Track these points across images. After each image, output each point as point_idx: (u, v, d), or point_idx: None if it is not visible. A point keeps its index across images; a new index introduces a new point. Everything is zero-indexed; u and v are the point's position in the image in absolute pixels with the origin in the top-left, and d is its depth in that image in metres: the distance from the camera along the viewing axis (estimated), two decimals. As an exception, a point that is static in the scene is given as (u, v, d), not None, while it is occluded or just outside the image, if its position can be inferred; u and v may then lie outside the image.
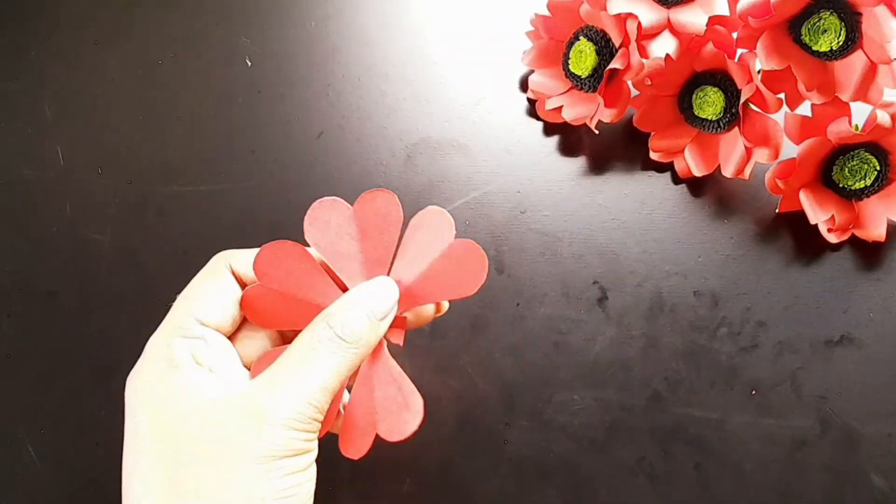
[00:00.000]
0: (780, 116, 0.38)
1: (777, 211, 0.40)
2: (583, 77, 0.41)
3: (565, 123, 0.42)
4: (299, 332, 0.27)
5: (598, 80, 0.41)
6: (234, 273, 0.28)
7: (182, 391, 0.25)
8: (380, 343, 0.28)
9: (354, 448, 0.27)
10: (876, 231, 0.38)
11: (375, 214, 0.29)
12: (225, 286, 0.28)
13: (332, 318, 0.26)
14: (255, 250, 0.29)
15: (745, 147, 0.38)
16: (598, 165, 0.43)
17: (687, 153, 0.41)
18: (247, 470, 0.23)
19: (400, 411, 0.27)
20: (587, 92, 0.42)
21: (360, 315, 0.26)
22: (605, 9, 0.38)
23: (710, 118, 0.40)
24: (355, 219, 0.29)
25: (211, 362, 0.26)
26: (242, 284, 0.29)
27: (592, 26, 0.41)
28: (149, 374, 0.25)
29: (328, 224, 0.28)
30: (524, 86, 0.44)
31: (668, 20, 0.38)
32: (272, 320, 0.28)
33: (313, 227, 0.28)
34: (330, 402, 0.25)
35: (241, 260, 0.28)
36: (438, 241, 0.28)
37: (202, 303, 0.27)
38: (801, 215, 0.39)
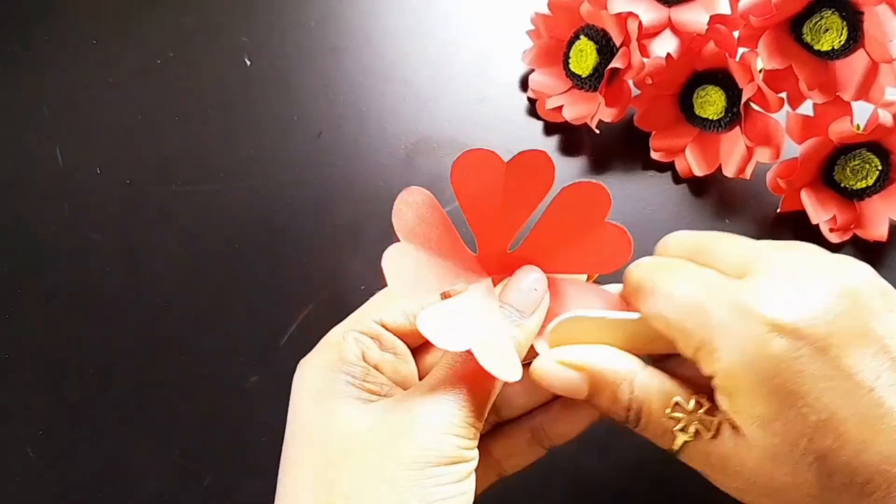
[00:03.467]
0: (781, 116, 0.38)
1: (778, 211, 0.40)
2: (583, 76, 0.41)
3: (566, 123, 0.42)
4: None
5: (599, 80, 0.40)
6: None
7: (344, 387, 0.24)
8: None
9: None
10: (877, 231, 0.38)
11: (525, 178, 0.27)
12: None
13: None
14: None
15: (747, 146, 0.38)
16: (599, 165, 0.43)
17: (688, 153, 0.41)
18: (396, 476, 0.22)
19: None
20: (588, 91, 0.42)
21: (509, 317, 0.26)
22: (605, 8, 0.38)
23: (711, 117, 0.40)
24: (505, 176, 0.27)
25: (379, 360, 0.26)
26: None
27: (593, 25, 0.41)
28: (318, 364, 0.26)
29: (475, 177, 0.27)
30: (524, 85, 0.44)
31: (669, 19, 0.38)
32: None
33: (460, 178, 0.27)
34: (488, 409, 0.24)
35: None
36: (586, 220, 0.26)
37: (387, 305, 0.27)
38: (802, 215, 0.39)
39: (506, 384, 0.27)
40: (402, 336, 0.27)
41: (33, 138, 0.44)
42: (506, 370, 0.23)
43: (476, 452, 0.24)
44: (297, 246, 0.41)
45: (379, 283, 0.41)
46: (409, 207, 0.26)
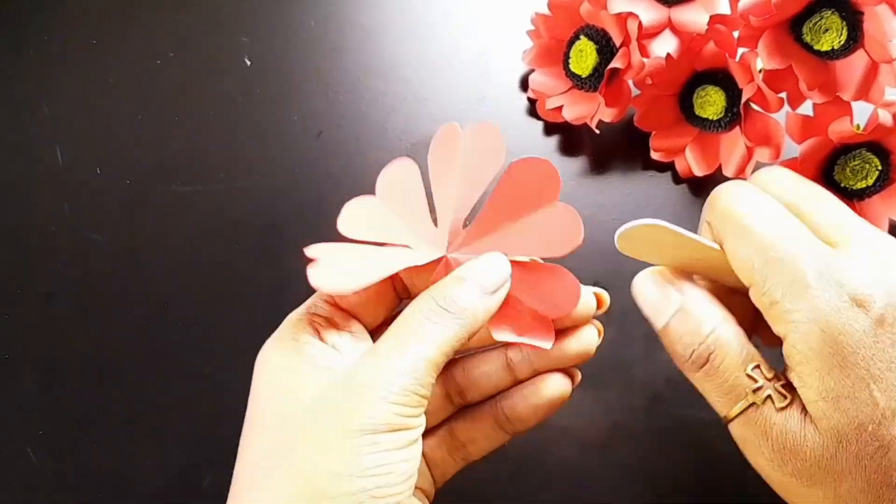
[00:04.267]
0: (781, 116, 0.38)
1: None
2: (583, 76, 0.41)
3: (566, 123, 0.42)
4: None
5: (599, 80, 0.40)
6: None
7: (297, 364, 0.25)
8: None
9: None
10: (878, 231, 0.38)
11: (478, 150, 0.27)
12: None
13: (436, 291, 0.25)
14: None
15: (747, 146, 0.38)
16: (599, 165, 0.43)
17: (688, 153, 0.41)
18: (337, 444, 0.22)
19: None
20: (588, 91, 0.42)
21: (468, 288, 0.25)
22: (605, 8, 0.38)
23: (711, 118, 0.40)
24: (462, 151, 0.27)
25: (336, 341, 0.26)
26: (399, 284, 0.28)
27: (593, 25, 0.41)
28: (273, 346, 0.26)
29: (444, 150, 0.26)
30: (524, 85, 0.44)
31: (669, 19, 0.38)
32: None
33: (434, 153, 0.27)
34: (434, 376, 0.24)
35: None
36: (536, 198, 0.26)
37: None
38: (802, 215, 0.39)
39: (468, 361, 0.28)
40: (356, 314, 0.27)
41: (33, 138, 0.44)
42: (332, 283, 0.24)
43: (420, 420, 0.24)
44: (297, 246, 0.41)
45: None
46: (392, 174, 0.27)
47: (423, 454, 0.29)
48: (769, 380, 0.23)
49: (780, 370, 0.24)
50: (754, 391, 0.23)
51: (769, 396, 0.23)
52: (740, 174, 0.39)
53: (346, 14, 0.47)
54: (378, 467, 0.22)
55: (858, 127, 0.37)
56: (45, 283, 0.41)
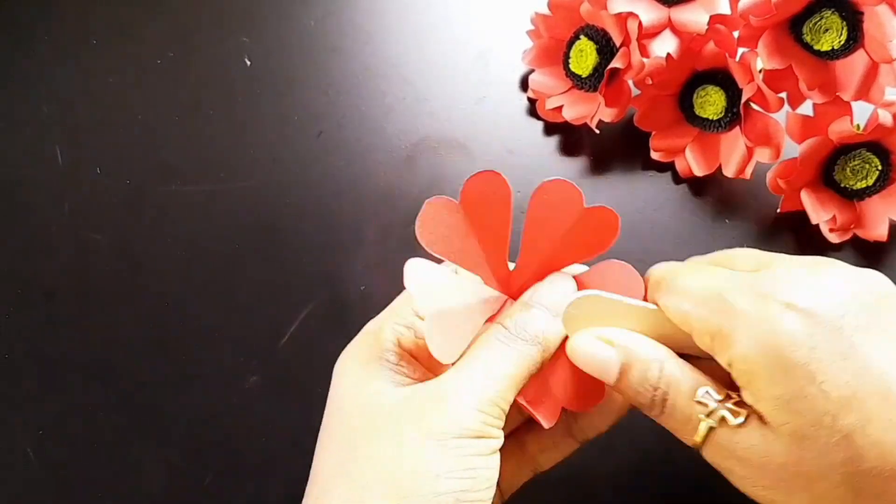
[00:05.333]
0: (781, 116, 0.38)
1: (778, 211, 0.40)
2: (583, 76, 0.41)
3: (566, 123, 0.42)
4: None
5: (599, 80, 0.40)
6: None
7: (377, 371, 0.26)
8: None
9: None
10: (877, 231, 0.38)
11: (483, 202, 0.27)
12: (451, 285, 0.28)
13: (508, 320, 0.26)
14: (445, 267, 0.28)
15: (747, 146, 0.38)
16: (599, 165, 0.43)
17: (688, 153, 0.41)
18: (423, 444, 0.23)
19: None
20: (588, 91, 0.42)
21: (536, 315, 0.26)
22: (605, 8, 0.38)
23: (711, 117, 0.40)
24: (463, 211, 0.27)
25: (415, 350, 0.27)
26: None
27: (593, 25, 0.41)
28: (354, 350, 0.27)
29: (438, 226, 0.27)
30: (524, 85, 0.44)
31: (669, 19, 0.38)
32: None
33: (425, 231, 0.27)
34: (513, 395, 0.25)
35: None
36: (565, 216, 0.27)
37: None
38: (802, 215, 0.39)
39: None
40: None
41: (33, 138, 0.44)
42: (443, 352, 0.25)
43: (501, 433, 0.25)
44: (297, 246, 0.41)
45: (378, 283, 0.41)
46: (434, 217, 0.27)
47: None
48: (721, 401, 0.24)
49: (731, 390, 0.24)
50: (708, 415, 0.24)
51: (723, 417, 0.24)
52: (740, 174, 0.39)
53: (345, 14, 0.47)
54: (465, 471, 0.23)
55: (858, 127, 0.37)
56: (45, 283, 0.41)
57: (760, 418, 0.23)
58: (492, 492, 0.24)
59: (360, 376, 0.26)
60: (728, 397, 0.24)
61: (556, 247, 0.27)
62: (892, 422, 0.21)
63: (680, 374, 0.25)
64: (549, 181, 0.27)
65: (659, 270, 0.27)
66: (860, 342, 0.22)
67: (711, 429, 0.24)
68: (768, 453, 0.23)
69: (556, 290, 0.27)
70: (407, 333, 0.27)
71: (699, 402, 0.24)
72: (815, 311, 0.22)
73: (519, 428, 0.30)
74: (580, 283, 0.28)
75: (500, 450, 0.29)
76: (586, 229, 0.27)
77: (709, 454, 0.25)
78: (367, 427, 0.24)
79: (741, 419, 0.23)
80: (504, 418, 0.25)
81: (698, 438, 0.24)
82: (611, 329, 0.26)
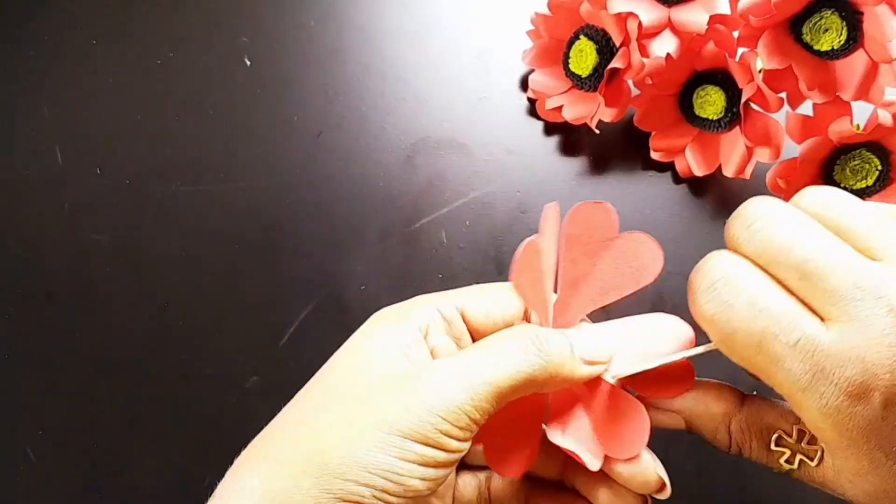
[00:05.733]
0: (781, 116, 0.38)
1: (778, 211, 0.40)
2: (583, 76, 0.41)
3: (566, 123, 0.42)
4: None
5: (599, 80, 0.40)
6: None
7: (387, 343, 0.25)
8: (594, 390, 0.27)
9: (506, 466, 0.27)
10: (877, 231, 0.38)
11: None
12: (504, 298, 0.27)
13: (539, 329, 0.25)
14: (504, 285, 0.27)
15: (747, 146, 0.38)
16: (599, 165, 0.43)
17: (688, 153, 0.41)
18: (369, 432, 0.22)
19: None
20: (588, 91, 0.42)
21: (565, 342, 0.25)
22: (605, 8, 0.38)
23: (711, 118, 0.40)
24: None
25: (437, 344, 0.25)
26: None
27: (593, 25, 0.41)
28: (385, 316, 0.26)
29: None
30: (524, 85, 0.44)
31: (669, 19, 0.38)
32: None
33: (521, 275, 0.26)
34: (493, 405, 0.23)
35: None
36: (600, 239, 0.27)
37: (475, 297, 0.27)
38: (802, 215, 0.39)
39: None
40: (473, 331, 0.26)
41: (33, 138, 0.44)
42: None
43: (463, 445, 0.23)
44: (297, 246, 0.41)
45: (378, 282, 0.41)
46: (527, 255, 0.26)
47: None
48: (794, 444, 0.25)
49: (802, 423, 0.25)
50: (787, 461, 0.25)
51: (801, 461, 0.25)
52: (740, 174, 0.39)
53: (345, 14, 0.47)
54: (389, 472, 0.22)
55: (858, 127, 0.37)
56: (45, 283, 0.41)
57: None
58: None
59: (370, 343, 0.25)
60: (801, 434, 0.24)
61: (595, 277, 0.27)
62: None
63: (748, 427, 0.25)
64: (582, 205, 0.27)
65: (708, 306, 0.23)
66: None
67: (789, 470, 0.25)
68: (842, 490, 0.24)
69: (595, 342, 0.26)
70: (439, 324, 0.26)
71: (774, 451, 0.25)
72: (890, 398, 0.21)
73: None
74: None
75: (467, 469, 0.29)
76: (625, 257, 0.26)
77: (798, 478, 0.26)
78: (334, 395, 0.24)
79: (817, 461, 0.24)
80: (472, 429, 0.23)
81: (782, 472, 0.25)
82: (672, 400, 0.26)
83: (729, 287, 0.22)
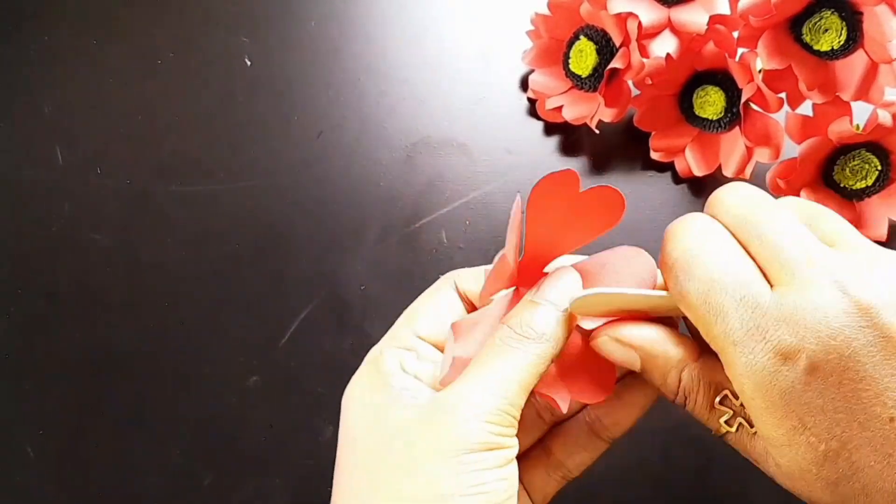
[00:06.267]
0: (780, 116, 0.38)
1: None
2: (583, 76, 0.41)
3: (566, 123, 0.42)
4: None
5: (599, 80, 0.40)
6: (459, 292, 0.28)
7: (383, 395, 0.25)
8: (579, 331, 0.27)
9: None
10: (877, 231, 0.38)
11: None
12: (447, 302, 0.28)
13: (512, 319, 0.26)
14: (482, 268, 0.28)
15: (746, 146, 0.38)
16: (599, 165, 0.43)
17: (688, 153, 0.41)
18: (434, 465, 0.23)
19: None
20: (587, 91, 0.42)
21: (542, 311, 0.26)
22: (605, 8, 0.38)
23: (710, 118, 0.40)
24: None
25: (418, 370, 0.26)
26: (468, 303, 0.28)
27: (593, 25, 0.41)
28: (360, 380, 0.27)
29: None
30: (524, 85, 0.44)
31: (669, 19, 0.38)
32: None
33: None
34: (524, 397, 0.25)
35: (467, 279, 0.28)
36: (564, 199, 0.26)
37: (421, 317, 0.28)
38: (802, 215, 0.39)
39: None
40: (439, 346, 0.27)
41: (33, 138, 0.44)
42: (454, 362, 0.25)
43: (514, 441, 0.24)
44: (297, 246, 0.41)
45: (378, 283, 0.41)
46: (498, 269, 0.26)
47: (521, 478, 0.29)
48: (738, 407, 0.25)
49: None
50: (726, 422, 0.25)
51: (740, 424, 0.24)
52: (740, 174, 0.39)
53: (346, 14, 0.47)
54: (479, 485, 0.23)
55: (858, 127, 0.37)
56: (45, 283, 0.41)
57: None
58: (513, 501, 0.24)
59: (366, 405, 0.26)
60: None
61: (560, 231, 0.27)
62: (881, 473, 0.21)
63: (699, 379, 0.25)
64: (546, 175, 0.26)
65: (674, 247, 0.25)
66: (863, 393, 0.21)
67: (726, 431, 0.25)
68: (768, 467, 0.24)
69: (560, 285, 0.26)
70: (409, 356, 0.27)
71: (717, 408, 0.25)
72: (816, 365, 0.21)
73: (544, 436, 0.30)
74: (587, 270, 0.27)
75: (526, 459, 0.29)
76: (590, 211, 0.27)
77: (730, 443, 0.25)
78: (378, 452, 0.24)
79: (756, 429, 0.24)
80: (516, 425, 0.24)
81: (719, 434, 0.25)
82: (629, 329, 0.26)
83: (698, 240, 0.24)
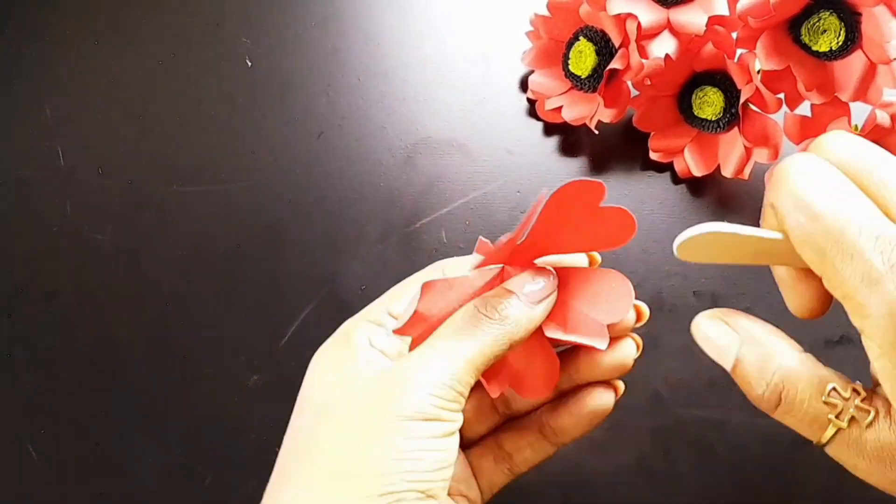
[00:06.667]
0: (779, 116, 0.38)
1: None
2: (582, 77, 0.41)
3: (565, 123, 0.42)
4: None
5: (598, 81, 0.41)
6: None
7: (347, 364, 0.26)
8: (538, 331, 0.27)
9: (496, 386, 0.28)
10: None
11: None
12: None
13: (480, 301, 0.26)
14: (469, 258, 0.28)
15: (745, 147, 0.38)
16: (598, 165, 0.43)
17: (686, 153, 0.41)
18: (374, 429, 0.24)
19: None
20: (587, 92, 0.42)
21: (512, 299, 0.26)
22: (604, 9, 0.38)
23: (709, 118, 0.40)
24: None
25: (385, 346, 0.27)
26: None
27: (592, 26, 0.41)
28: (327, 348, 0.28)
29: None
30: (524, 86, 0.44)
31: (668, 20, 0.38)
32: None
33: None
34: (473, 376, 0.25)
35: (455, 267, 0.29)
36: (582, 209, 0.26)
37: (399, 297, 0.28)
38: (800, 215, 0.39)
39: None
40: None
41: (34, 138, 0.44)
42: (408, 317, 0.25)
43: (457, 416, 0.25)
44: (297, 246, 0.41)
45: (378, 283, 0.41)
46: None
47: (470, 463, 0.30)
48: (848, 399, 0.23)
49: (857, 382, 0.23)
50: (837, 416, 0.23)
51: (853, 417, 0.23)
52: (739, 174, 0.39)
53: (346, 15, 0.47)
54: (410, 452, 0.23)
55: (856, 128, 0.37)
56: (46, 283, 0.41)
57: (888, 409, 0.22)
58: (444, 474, 0.24)
59: (328, 370, 0.27)
60: (855, 392, 0.23)
61: (567, 233, 0.27)
62: None
63: (801, 371, 0.23)
64: (578, 180, 0.26)
65: (796, 184, 0.22)
66: None
67: (838, 430, 0.23)
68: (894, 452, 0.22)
69: (538, 282, 0.27)
70: (379, 332, 0.27)
71: (826, 403, 0.23)
72: None
73: (497, 427, 0.31)
74: (569, 279, 0.28)
75: (478, 446, 0.30)
76: (602, 225, 0.27)
77: (833, 452, 0.24)
78: (326, 411, 0.25)
79: (871, 417, 0.22)
80: (461, 401, 0.25)
81: (824, 439, 0.23)
82: (739, 317, 0.25)
83: (820, 177, 0.22)
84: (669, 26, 0.38)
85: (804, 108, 0.38)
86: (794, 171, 0.23)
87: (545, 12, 0.42)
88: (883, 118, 0.35)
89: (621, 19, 0.38)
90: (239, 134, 0.44)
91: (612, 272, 0.28)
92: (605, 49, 0.40)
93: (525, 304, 0.26)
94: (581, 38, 0.41)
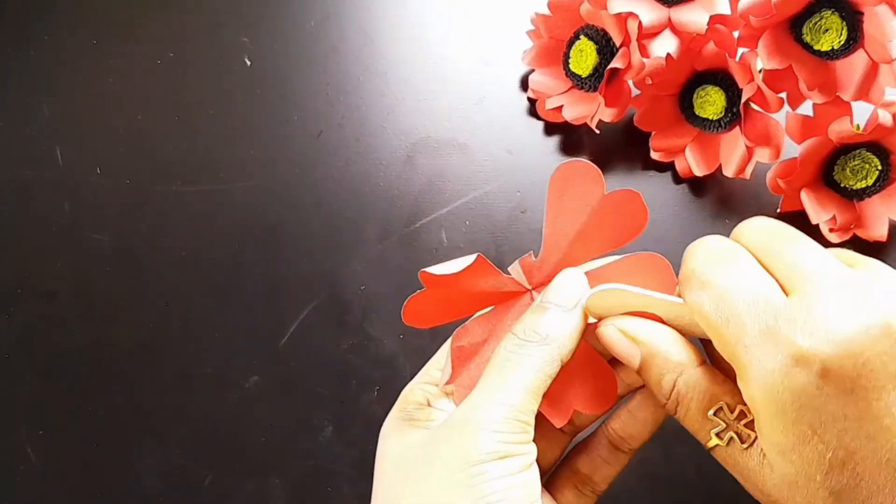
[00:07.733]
0: (781, 116, 0.38)
1: (778, 211, 0.40)
2: (583, 76, 0.41)
3: (566, 123, 0.42)
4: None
5: (599, 80, 0.40)
6: None
7: (411, 429, 0.26)
8: (586, 346, 0.27)
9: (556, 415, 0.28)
10: (877, 231, 0.38)
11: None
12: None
13: (518, 327, 0.26)
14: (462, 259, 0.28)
15: (746, 146, 0.38)
16: (599, 165, 0.42)
17: (688, 153, 0.41)
18: (448, 479, 0.24)
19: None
20: (588, 91, 0.42)
21: (548, 314, 0.26)
22: (605, 8, 0.38)
23: (711, 117, 0.40)
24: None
25: (442, 404, 0.28)
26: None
27: (593, 25, 0.41)
28: (390, 418, 0.28)
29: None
30: (524, 85, 0.44)
31: (669, 19, 0.38)
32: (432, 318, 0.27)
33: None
34: (535, 402, 0.25)
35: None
36: (585, 200, 0.27)
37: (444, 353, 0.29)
38: (802, 215, 0.39)
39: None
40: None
41: (34, 138, 0.44)
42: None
43: (530, 447, 0.25)
44: (297, 246, 0.41)
45: (378, 283, 0.41)
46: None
47: (556, 500, 0.30)
48: (732, 421, 0.24)
49: (746, 405, 0.24)
50: (718, 434, 0.25)
51: (731, 438, 0.24)
52: (740, 174, 0.39)
53: (345, 15, 0.47)
54: (493, 494, 0.23)
55: (858, 127, 0.37)
56: (45, 283, 0.41)
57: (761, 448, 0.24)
58: None
59: (394, 436, 0.27)
60: (742, 415, 0.24)
61: (580, 235, 0.27)
62: (882, 487, 0.22)
63: (696, 387, 0.25)
64: (567, 163, 0.26)
65: (694, 261, 0.25)
66: (874, 404, 0.21)
67: (717, 445, 0.25)
68: (763, 481, 0.24)
69: (565, 286, 0.27)
70: (437, 391, 0.28)
71: (710, 419, 0.25)
72: (828, 369, 0.21)
73: (569, 453, 0.31)
74: (606, 274, 0.27)
75: (556, 479, 0.30)
76: (611, 217, 0.27)
77: (717, 458, 0.25)
78: (399, 472, 0.25)
79: (748, 444, 0.24)
80: (529, 430, 0.25)
81: (708, 447, 0.25)
82: (637, 323, 0.26)
83: (716, 254, 0.24)
84: (671, 25, 0.38)
85: (806, 108, 0.38)
86: (699, 247, 0.25)
87: (546, 11, 0.42)
88: (885, 117, 0.35)
89: (622, 18, 0.38)
90: (238, 134, 0.44)
91: (645, 256, 0.27)
92: (605, 48, 0.40)
93: (561, 312, 0.26)
94: (582, 37, 0.41)
